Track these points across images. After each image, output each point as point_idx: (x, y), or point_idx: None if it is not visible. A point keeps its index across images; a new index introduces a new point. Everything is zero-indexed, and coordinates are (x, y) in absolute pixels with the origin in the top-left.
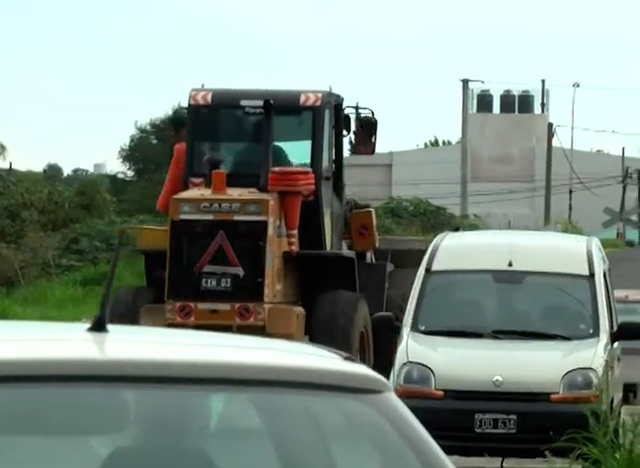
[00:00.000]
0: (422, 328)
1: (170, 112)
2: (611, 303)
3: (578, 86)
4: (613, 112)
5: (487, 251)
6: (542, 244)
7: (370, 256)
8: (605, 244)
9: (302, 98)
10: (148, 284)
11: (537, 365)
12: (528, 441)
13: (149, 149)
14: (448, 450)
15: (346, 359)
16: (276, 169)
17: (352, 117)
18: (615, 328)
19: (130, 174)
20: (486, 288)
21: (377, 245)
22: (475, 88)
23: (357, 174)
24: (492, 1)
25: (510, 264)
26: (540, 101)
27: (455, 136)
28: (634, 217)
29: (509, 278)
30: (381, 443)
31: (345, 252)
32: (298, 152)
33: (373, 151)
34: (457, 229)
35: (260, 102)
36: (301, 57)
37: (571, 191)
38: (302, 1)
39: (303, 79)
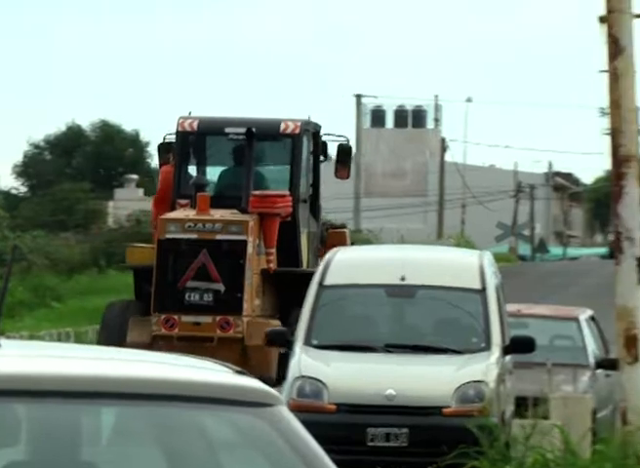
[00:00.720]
0: (315, 342)
1: (64, 128)
2: (503, 317)
3: (470, 101)
4: (505, 127)
5: (380, 265)
6: (435, 258)
7: None
8: (497, 258)
9: (282, 126)
10: (137, 297)
11: (429, 378)
12: (420, 454)
13: (43, 165)
14: (340, 464)
15: (238, 373)
16: (256, 192)
17: (329, 144)
18: (506, 341)
19: (23, 189)
20: (379, 302)
21: None
22: (369, 103)
23: None
24: (383, 17)
25: (403, 279)
26: (433, 116)
27: None
28: (526, 232)
29: (402, 292)
30: (273, 456)
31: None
32: (277, 176)
33: (348, 176)
34: (351, 244)
35: (243, 130)
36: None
37: (464, 205)
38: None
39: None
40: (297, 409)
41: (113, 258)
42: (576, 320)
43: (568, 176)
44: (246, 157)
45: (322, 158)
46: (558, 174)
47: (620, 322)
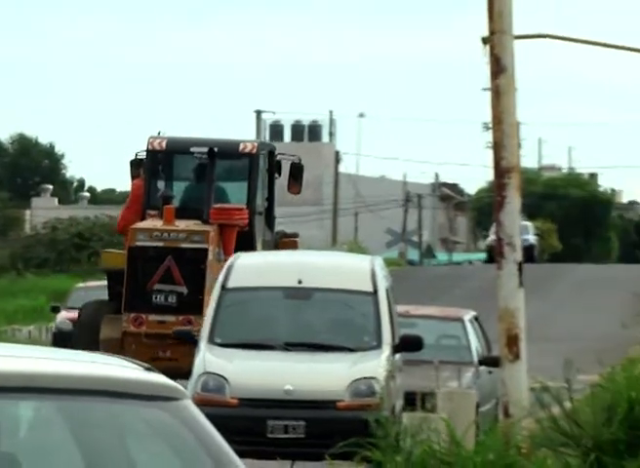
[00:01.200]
0: (218, 340)
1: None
2: (393, 317)
3: (363, 116)
4: (395, 140)
5: (278, 269)
6: (330, 263)
7: None
8: (388, 263)
9: (241, 146)
10: (110, 298)
11: (324, 374)
12: (316, 445)
13: None
14: (241, 454)
15: (147, 369)
16: (217, 205)
17: (283, 163)
18: (396, 340)
19: None
20: (277, 303)
21: None
22: (268, 118)
23: None
24: (280, 36)
25: (300, 282)
26: (327, 131)
27: None
28: (415, 238)
29: (299, 294)
30: (180, 447)
31: None
32: (236, 191)
33: (299, 191)
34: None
35: (206, 149)
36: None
37: (356, 213)
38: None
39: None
40: (201, 403)
41: (30, 262)
42: (460, 320)
43: (453, 187)
44: (208, 174)
45: (276, 175)
46: (444, 184)
47: (502, 322)
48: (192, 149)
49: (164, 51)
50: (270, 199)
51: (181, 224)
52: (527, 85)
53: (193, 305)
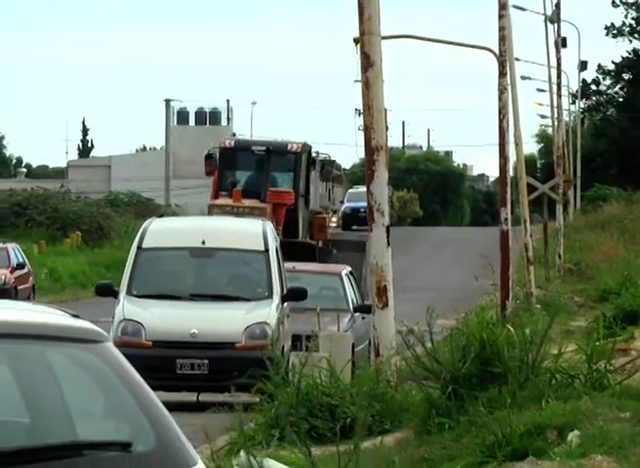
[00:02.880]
0: (135, 292)
1: None
2: (281, 272)
3: (255, 104)
4: (283, 125)
5: (185, 232)
6: (228, 226)
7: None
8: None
9: (289, 146)
10: None
11: (224, 320)
12: (218, 380)
13: None
14: (155, 388)
15: (74, 316)
16: (271, 189)
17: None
18: (285, 291)
19: None
20: (184, 261)
21: (328, 237)
22: (175, 105)
23: (83, 173)
24: (187, 35)
25: (203, 242)
26: (226, 116)
27: (160, 143)
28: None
29: (203, 253)
30: (103, 382)
31: (309, 241)
32: (285, 179)
33: (328, 179)
34: (161, 216)
35: (264, 148)
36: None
37: None
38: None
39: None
40: (121, 345)
41: None
42: (338, 275)
43: (331, 163)
44: (264, 166)
45: (312, 168)
46: (323, 161)
47: (373, 276)
48: (253, 148)
49: (95, 50)
50: (307, 186)
51: (246, 202)
52: (393, 77)
53: None
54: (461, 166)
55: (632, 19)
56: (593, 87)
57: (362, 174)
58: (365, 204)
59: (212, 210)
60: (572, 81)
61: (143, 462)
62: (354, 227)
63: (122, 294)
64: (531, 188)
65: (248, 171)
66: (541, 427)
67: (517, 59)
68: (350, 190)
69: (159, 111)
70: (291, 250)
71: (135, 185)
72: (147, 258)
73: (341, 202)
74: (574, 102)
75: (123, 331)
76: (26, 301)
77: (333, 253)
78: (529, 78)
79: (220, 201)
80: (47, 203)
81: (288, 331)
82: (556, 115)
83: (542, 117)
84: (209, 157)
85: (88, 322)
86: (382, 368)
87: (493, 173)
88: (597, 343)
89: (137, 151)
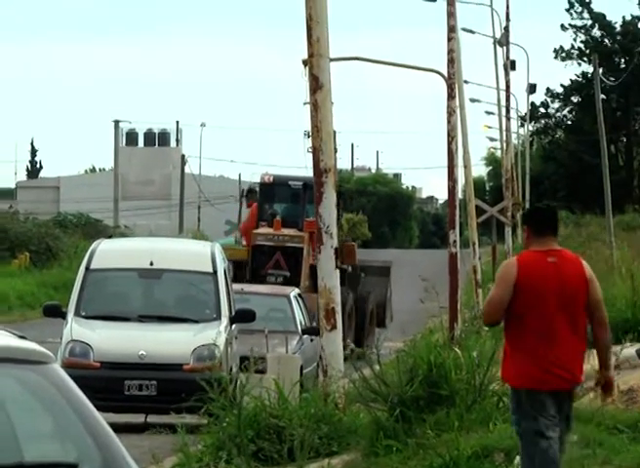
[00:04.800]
0: (83, 313)
1: None
2: (229, 294)
3: (204, 125)
4: (232, 145)
5: (133, 253)
6: (177, 248)
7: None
8: (226, 248)
9: None
10: (234, 279)
11: (172, 342)
12: (166, 401)
13: None
14: (103, 409)
15: (20, 337)
16: (308, 219)
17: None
18: (233, 313)
19: None
20: (133, 282)
21: (356, 263)
22: (124, 126)
23: (31, 194)
24: (136, 56)
25: (152, 264)
26: (175, 137)
27: (109, 164)
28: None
29: (151, 274)
30: (49, 404)
31: (341, 265)
32: None
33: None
34: (110, 237)
35: (300, 183)
36: None
37: (199, 207)
38: None
39: None
40: (69, 367)
41: None
42: (287, 296)
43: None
44: (301, 198)
45: (341, 200)
46: None
47: (321, 298)
48: (290, 182)
49: (43, 69)
50: (338, 216)
51: (285, 231)
52: (342, 99)
53: (294, 283)
54: (410, 188)
55: (581, 42)
56: (542, 110)
57: None
58: None
59: (255, 238)
60: (521, 104)
61: None
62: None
63: (70, 315)
64: (479, 211)
65: (285, 203)
66: (489, 450)
67: (466, 82)
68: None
69: (108, 132)
70: None
71: (84, 206)
72: (96, 279)
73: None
74: (522, 125)
75: (71, 352)
76: None
77: (361, 277)
78: (478, 101)
79: (262, 230)
80: None
81: (236, 353)
82: (505, 138)
83: (491, 140)
84: (250, 191)
85: (34, 343)
86: (330, 390)
87: (442, 195)
88: None
89: (86, 172)
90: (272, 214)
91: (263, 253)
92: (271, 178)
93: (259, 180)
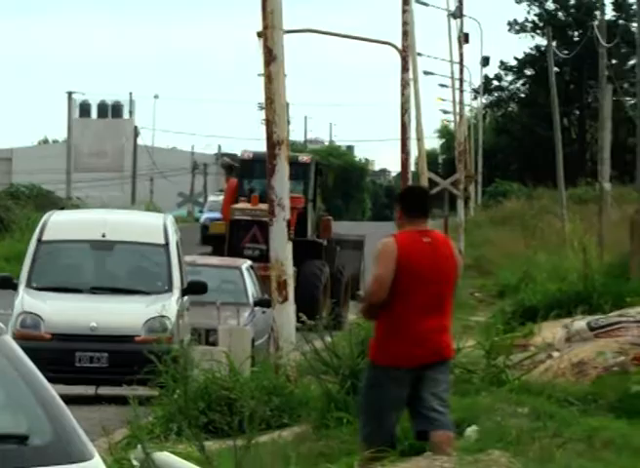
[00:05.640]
0: (35, 285)
1: None
2: (181, 266)
3: (157, 97)
4: (185, 117)
5: (85, 225)
6: (129, 219)
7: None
8: (178, 220)
9: (300, 158)
10: (213, 252)
11: (124, 314)
12: (117, 373)
13: None
14: (54, 381)
15: None
16: None
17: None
18: (185, 285)
19: None
20: (85, 254)
21: (331, 236)
22: (78, 98)
23: None
24: (91, 27)
25: (104, 235)
26: (128, 109)
27: (62, 135)
28: (201, 199)
29: (103, 246)
30: (1, 377)
31: (317, 239)
32: (296, 186)
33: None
34: (62, 208)
35: None
36: None
37: (152, 179)
38: None
39: None
40: (20, 338)
41: None
42: (238, 268)
43: (233, 157)
44: None
45: (319, 177)
46: (226, 154)
47: (273, 270)
48: (266, 159)
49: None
50: (315, 193)
51: (262, 206)
52: (296, 71)
53: (268, 257)
54: (363, 160)
55: (535, 15)
56: (495, 83)
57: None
58: None
59: (234, 212)
60: (474, 77)
61: (39, 455)
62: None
63: (21, 287)
64: (432, 183)
65: (264, 179)
66: None
67: (420, 55)
68: (211, 198)
69: (61, 104)
70: (300, 248)
71: (36, 178)
72: (47, 251)
73: (201, 211)
74: (476, 98)
75: (22, 323)
76: None
77: (337, 251)
78: (431, 73)
79: (240, 205)
80: None
81: (187, 325)
82: (458, 111)
83: (445, 112)
84: (229, 168)
85: None
86: (282, 362)
87: (394, 167)
88: (496, 339)
89: (39, 144)
90: (251, 189)
91: (241, 228)
92: (251, 155)
93: (239, 156)
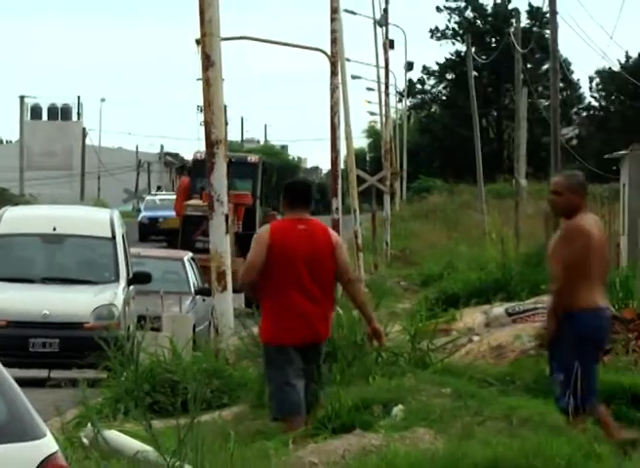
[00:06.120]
0: None
1: None
2: (127, 257)
3: (104, 100)
4: (130, 119)
5: (37, 219)
6: (78, 214)
7: None
8: (124, 215)
9: (249, 158)
10: (168, 245)
11: (74, 302)
12: (68, 357)
13: None
14: (9, 365)
15: None
16: (232, 192)
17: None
18: (130, 275)
19: None
20: (37, 246)
21: None
22: (29, 101)
23: None
24: (40, 33)
25: (54, 229)
26: (76, 112)
27: (14, 136)
28: (145, 195)
29: (53, 239)
30: None
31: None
32: (244, 185)
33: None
34: (15, 204)
35: (227, 160)
36: None
37: (99, 177)
38: None
39: None
40: None
41: None
42: (181, 260)
43: (175, 156)
44: (229, 173)
45: (265, 175)
46: (168, 153)
47: (213, 261)
48: None
49: None
50: (262, 190)
51: None
52: (233, 76)
53: None
54: (296, 159)
55: (455, 23)
56: (419, 86)
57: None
58: (163, 213)
59: (186, 208)
60: (399, 80)
61: None
62: (153, 238)
63: None
64: (360, 180)
65: None
66: (368, 402)
67: (348, 60)
68: (147, 197)
69: (14, 107)
70: (248, 240)
71: None
72: (2, 244)
73: (138, 210)
74: (400, 100)
75: None
76: None
77: None
78: (359, 77)
79: (192, 202)
80: None
81: (133, 312)
82: (384, 112)
83: (372, 114)
84: (180, 168)
85: None
86: (221, 346)
87: (325, 165)
88: (420, 324)
89: None
90: (202, 187)
91: (193, 223)
92: (203, 156)
93: (191, 157)
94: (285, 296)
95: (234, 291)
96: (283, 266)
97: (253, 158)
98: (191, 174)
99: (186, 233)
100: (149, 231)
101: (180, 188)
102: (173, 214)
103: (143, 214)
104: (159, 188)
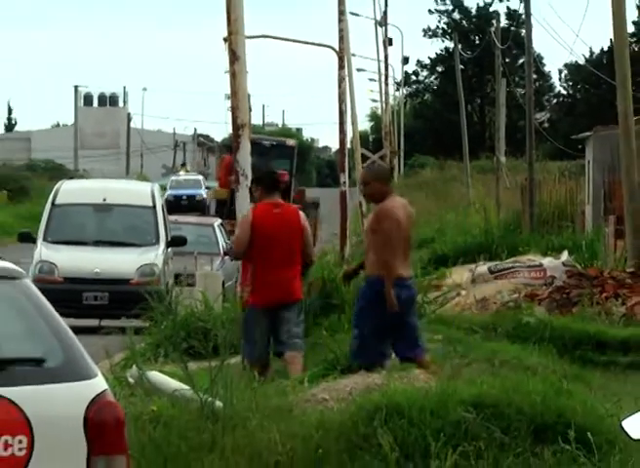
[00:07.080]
0: (50, 239)
1: None
2: (166, 223)
3: (145, 89)
4: (168, 105)
5: (90, 191)
6: (124, 187)
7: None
8: (162, 187)
9: (288, 142)
10: (217, 214)
11: (121, 261)
12: (116, 309)
13: None
14: (65, 316)
15: None
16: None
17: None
18: (169, 238)
19: None
20: (89, 214)
21: (305, 200)
22: (82, 90)
23: (8, 144)
24: (94, 31)
25: (104, 200)
26: (122, 99)
27: (70, 120)
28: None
29: (104, 208)
30: (22, 312)
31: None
32: (282, 164)
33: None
34: (71, 178)
35: (268, 143)
36: None
37: (142, 155)
38: None
39: None
40: (38, 282)
41: None
42: (211, 226)
43: (206, 137)
44: (268, 155)
45: (298, 156)
46: (200, 135)
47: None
48: (263, 142)
49: (18, 45)
50: (296, 169)
51: None
52: (256, 68)
53: None
54: (310, 140)
55: (444, 23)
56: (413, 77)
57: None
58: (187, 192)
59: (232, 183)
60: (397, 72)
61: (54, 374)
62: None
63: (39, 241)
64: (364, 157)
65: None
66: None
67: (353, 55)
68: (172, 177)
69: (69, 95)
70: None
71: (50, 154)
72: (60, 212)
73: (165, 189)
74: (398, 90)
75: (40, 269)
76: None
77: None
78: (363, 70)
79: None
80: None
81: (171, 271)
82: (384, 100)
83: (373, 101)
84: (225, 146)
85: (10, 263)
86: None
87: (334, 145)
88: (416, 280)
89: (52, 127)
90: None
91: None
92: None
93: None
94: (265, 265)
95: (235, 258)
96: (263, 241)
97: (290, 142)
98: (233, 152)
99: (234, 205)
100: (174, 208)
101: (224, 164)
102: (196, 192)
103: (169, 192)
104: (183, 165)
